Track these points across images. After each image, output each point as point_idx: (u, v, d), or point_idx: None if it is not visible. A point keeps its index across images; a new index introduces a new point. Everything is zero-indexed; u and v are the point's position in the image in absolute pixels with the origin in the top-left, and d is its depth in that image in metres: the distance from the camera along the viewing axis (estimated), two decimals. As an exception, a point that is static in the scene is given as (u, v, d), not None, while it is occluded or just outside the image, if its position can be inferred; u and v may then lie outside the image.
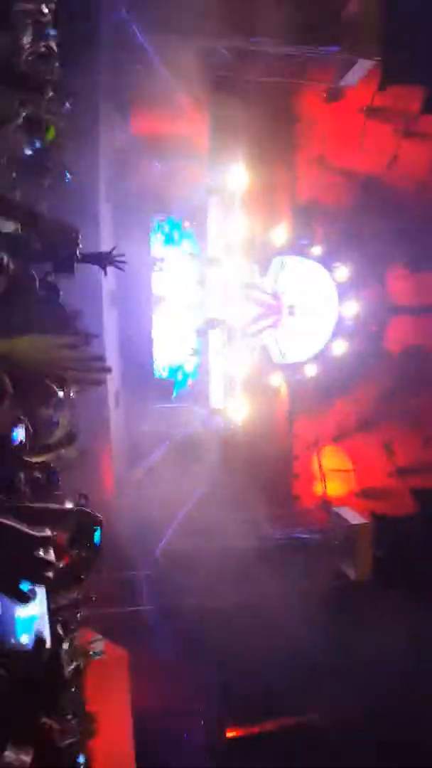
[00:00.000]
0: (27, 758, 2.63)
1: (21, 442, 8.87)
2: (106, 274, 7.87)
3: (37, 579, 2.36)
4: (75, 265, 5.32)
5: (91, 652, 12.71)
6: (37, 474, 8.10)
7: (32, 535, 2.32)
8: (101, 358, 2.69)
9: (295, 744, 15.95)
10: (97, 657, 12.75)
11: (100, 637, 13.17)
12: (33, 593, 2.46)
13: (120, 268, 7.65)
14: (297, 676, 15.20)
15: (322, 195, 16.62)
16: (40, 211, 4.06)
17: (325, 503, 17.14)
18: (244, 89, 14.87)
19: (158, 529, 16.19)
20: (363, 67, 14.87)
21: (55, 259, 5.03)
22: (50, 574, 2.36)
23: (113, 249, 6.68)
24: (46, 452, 9.72)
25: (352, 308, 17.09)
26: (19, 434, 9.24)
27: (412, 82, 15.04)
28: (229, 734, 16.57)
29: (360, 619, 15.76)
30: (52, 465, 8.92)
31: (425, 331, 17.27)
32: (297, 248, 16.89)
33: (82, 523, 10.79)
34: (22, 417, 6.33)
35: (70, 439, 10.73)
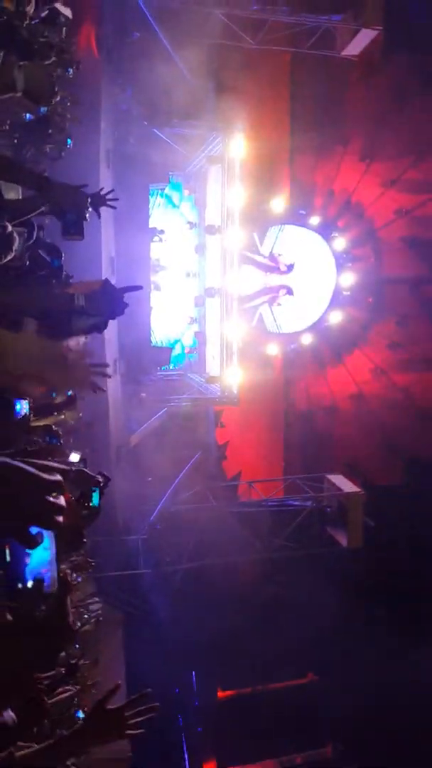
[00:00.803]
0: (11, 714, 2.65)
1: (24, 414, 9.12)
2: (99, 216, 7.94)
3: (47, 523, 2.32)
4: (83, 227, 5.31)
5: (87, 614, 13.10)
6: (38, 438, 8.31)
7: (44, 479, 2.26)
8: (101, 365, 2.61)
9: (285, 706, 16.43)
10: (94, 618, 13.10)
11: (97, 599, 13.49)
12: (41, 537, 2.48)
13: (112, 207, 7.73)
14: (289, 641, 15.62)
15: (321, 165, 16.67)
16: (46, 174, 4.11)
17: (319, 471, 17.39)
18: (245, 57, 14.84)
19: (155, 494, 16.48)
20: (365, 37, 14.86)
21: (63, 221, 5.04)
22: (60, 518, 2.30)
23: (101, 189, 6.69)
24: (47, 415, 9.95)
25: (349, 278, 17.22)
26: (23, 407, 9.48)
27: (414, 53, 15.00)
28: (221, 695, 16.99)
29: (351, 585, 16.14)
30: (53, 428, 9.15)
31: (421, 301, 17.38)
32: (295, 218, 16.98)
33: (81, 482, 11.08)
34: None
35: (69, 402, 10.99)
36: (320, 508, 16.90)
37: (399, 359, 16.93)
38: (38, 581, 3.20)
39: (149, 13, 14.13)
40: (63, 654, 8.76)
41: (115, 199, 6.13)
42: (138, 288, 5.06)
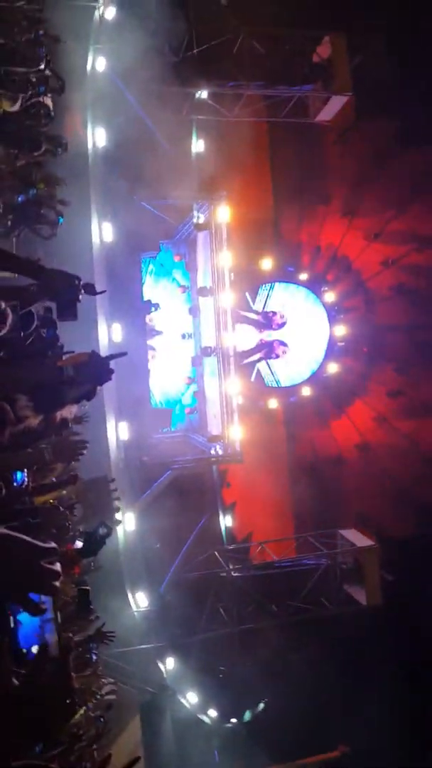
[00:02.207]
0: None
1: (24, 482, 9.08)
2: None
3: (43, 589, 2.38)
4: (77, 309, 5.53)
5: (99, 695, 12.43)
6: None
7: (38, 546, 2.34)
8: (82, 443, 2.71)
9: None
10: (109, 700, 12.45)
11: (112, 680, 12.86)
12: (45, 606, 2.53)
13: (100, 293, 7.90)
14: (315, 710, 14.70)
15: (306, 224, 17.26)
16: (41, 263, 4.36)
17: (330, 527, 16.95)
18: (225, 128, 15.68)
19: (163, 562, 16.00)
20: (337, 102, 15.74)
21: (58, 304, 5.26)
22: (57, 584, 2.37)
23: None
24: (48, 492, 9.85)
25: (342, 329, 17.47)
26: (24, 477, 9.43)
27: (384, 115, 15.83)
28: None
29: (374, 645, 15.37)
30: (54, 503, 9.07)
31: (415, 347, 17.49)
32: (284, 275, 17.42)
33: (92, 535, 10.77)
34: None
35: (70, 480, 10.89)
36: (335, 566, 16.39)
37: (400, 406, 16.87)
38: (43, 647, 3.20)
39: (131, 96, 15.04)
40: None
41: (103, 291, 6.22)
42: (123, 354, 5.23)
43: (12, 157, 11.89)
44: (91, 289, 6.12)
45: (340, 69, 15.43)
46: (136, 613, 15.50)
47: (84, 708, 10.46)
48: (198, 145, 16.08)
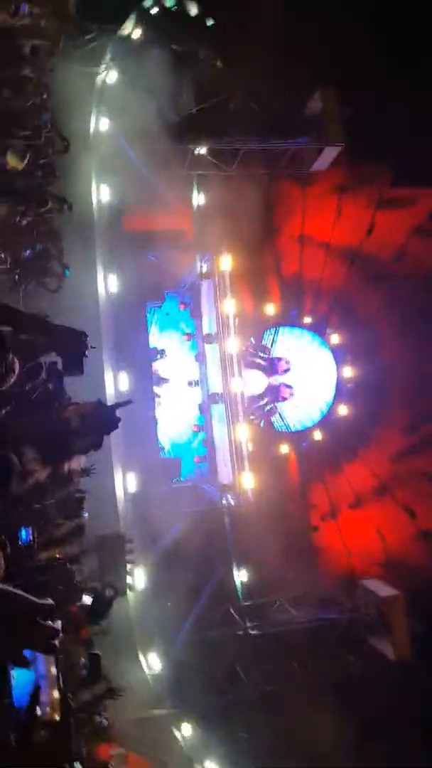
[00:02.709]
0: None
1: (29, 539, 8.80)
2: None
3: (41, 646, 2.44)
4: (84, 364, 5.55)
5: (111, 765, 11.52)
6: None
7: (35, 603, 2.39)
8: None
9: None
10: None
11: (122, 750, 11.95)
12: (32, 659, 2.48)
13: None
14: None
15: (307, 269, 17.51)
16: (47, 320, 4.43)
17: (352, 578, 16.16)
18: (224, 183, 16.18)
19: (175, 621, 15.20)
20: (331, 152, 16.29)
21: (64, 360, 5.32)
22: (55, 641, 2.43)
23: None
24: (53, 547, 9.54)
25: (350, 371, 17.40)
26: (28, 533, 9.17)
27: (378, 161, 16.34)
28: None
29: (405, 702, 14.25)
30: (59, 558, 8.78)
31: (425, 387, 17.26)
32: (289, 319, 17.52)
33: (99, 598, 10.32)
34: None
35: (76, 531, 10.55)
36: (359, 618, 15.51)
37: (416, 442, 16.47)
38: (29, 707, 3.15)
39: (133, 154, 15.67)
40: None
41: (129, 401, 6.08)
42: (128, 402, 5.19)
43: (19, 214, 12.27)
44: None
45: (332, 121, 16.08)
46: (149, 677, 14.63)
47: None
48: (199, 199, 16.56)
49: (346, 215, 16.86)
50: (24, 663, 2.35)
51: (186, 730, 14.24)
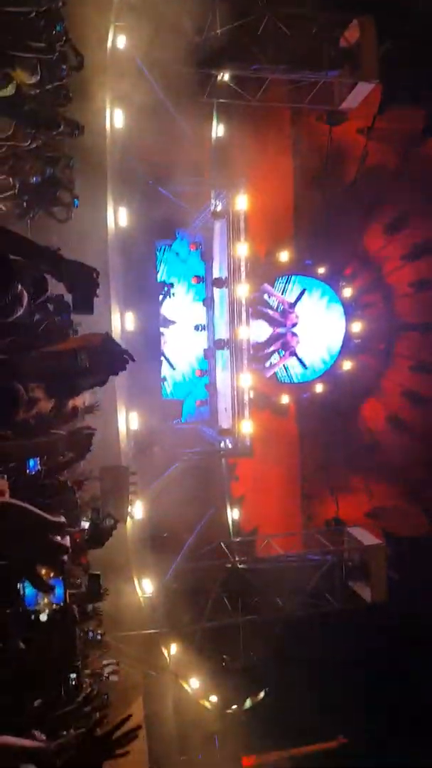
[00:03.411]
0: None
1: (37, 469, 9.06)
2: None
3: (51, 563, 2.40)
4: (93, 303, 5.35)
5: (105, 676, 12.67)
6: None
7: (47, 519, 2.34)
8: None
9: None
10: (112, 679, 12.70)
11: (114, 661, 13.09)
12: (54, 584, 2.52)
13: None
14: (314, 702, 14.91)
15: (325, 216, 16.77)
16: (59, 253, 4.17)
17: (338, 524, 16.93)
18: (246, 115, 15.14)
19: (170, 552, 16.11)
20: (363, 89, 15.10)
21: (74, 297, 5.07)
22: (64, 558, 2.40)
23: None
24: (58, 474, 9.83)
25: (359, 326, 17.14)
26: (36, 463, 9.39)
27: (412, 104, 15.21)
28: (245, 763, 16.16)
29: (377, 642, 15.47)
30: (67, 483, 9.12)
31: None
32: (302, 268, 17.03)
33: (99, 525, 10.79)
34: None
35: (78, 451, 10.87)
36: (342, 562, 16.41)
37: (415, 406, 16.61)
38: (58, 612, 3.36)
39: (151, 77, 14.53)
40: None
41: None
42: (132, 358, 5.08)
43: (29, 136, 11.65)
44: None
45: (368, 55, 14.76)
46: (141, 600, 15.72)
47: (88, 680, 10.70)
48: (218, 130, 15.53)
49: (372, 160, 15.90)
50: (41, 583, 2.38)
51: (173, 649, 15.56)
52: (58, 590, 8.54)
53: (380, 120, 15.48)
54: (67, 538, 2.47)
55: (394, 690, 15.45)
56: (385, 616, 15.34)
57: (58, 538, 2.36)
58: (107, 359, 4.32)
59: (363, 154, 15.84)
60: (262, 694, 16.30)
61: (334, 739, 16.08)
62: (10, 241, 4.04)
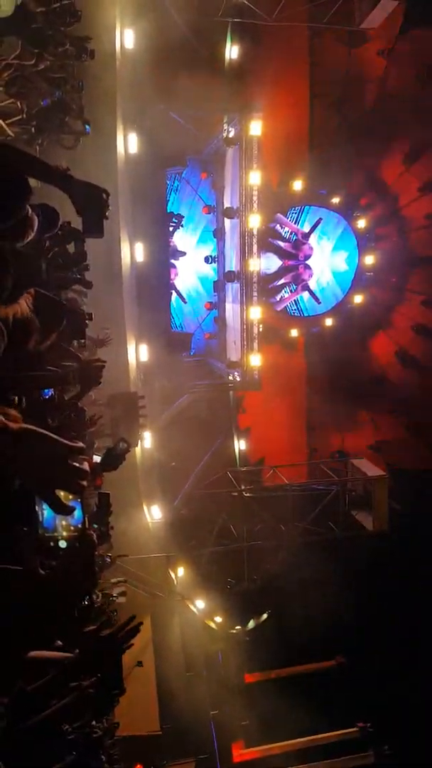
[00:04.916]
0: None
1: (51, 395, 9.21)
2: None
3: (71, 487, 2.39)
4: (104, 225, 5.28)
5: (113, 595, 13.25)
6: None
7: (66, 444, 2.34)
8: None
9: (314, 689, 16.43)
10: (120, 600, 13.26)
11: (123, 579, 13.64)
12: (74, 506, 2.55)
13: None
14: (316, 624, 15.59)
15: (342, 144, 16.30)
16: (69, 173, 4.09)
17: (343, 456, 17.24)
18: (262, 36, 14.52)
19: (178, 480, 16.54)
20: (385, 8, 14.38)
21: (84, 219, 4.99)
22: (84, 482, 2.39)
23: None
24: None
25: (372, 259, 16.93)
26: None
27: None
28: (248, 679, 17.03)
29: (377, 569, 16.04)
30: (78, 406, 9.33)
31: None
32: (316, 198, 16.68)
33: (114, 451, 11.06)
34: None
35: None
36: (345, 492, 16.79)
37: (425, 340, 16.59)
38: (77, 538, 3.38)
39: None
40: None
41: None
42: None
43: (35, 56, 11.32)
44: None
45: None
46: (150, 525, 16.27)
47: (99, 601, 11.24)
48: (232, 52, 14.89)
49: (392, 84, 15.30)
50: (60, 506, 2.40)
51: (180, 572, 16.19)
52: (77, 513, 8.74)
53: (402, 41, 14.82)
54: (85, 462, 2.44)
55: (394, 616, 16.10)
56: (386, 544, 15.80)
57: (77, 462, 2.38)
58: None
59: (383, 77, 15.24)
60: (264, 616, 17.04)
61: (333, 659, 16.90)
62: (22, 160, 4.00)
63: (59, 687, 2.55)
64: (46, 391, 9.89)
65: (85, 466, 2.46)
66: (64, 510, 2.46)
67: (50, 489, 2.37)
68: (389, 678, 15.18)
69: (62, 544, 8.04)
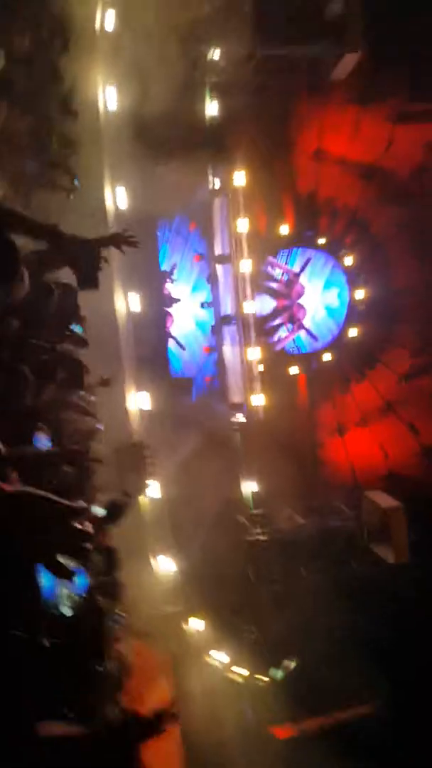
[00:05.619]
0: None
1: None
2: (123, 252, 7.86)
3: (74, 549, 2.36)
4: (98, 277, 5.34)
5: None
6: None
7: (68, 506, 2.28)
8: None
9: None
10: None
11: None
12: (75, 570, 2.40)
13: (135, 246, 7.68)
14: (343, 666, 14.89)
15: (323, 187, 17.09)
16: (59, 228, 4.20)
17: (356, 489, 17.02)
18: (238, 92, 15.40)
19: (188, 528, 16.10)
20: (350, 60, 15.43)
21: (78, 273, 5.08)
22: (88, 545, 2.38)
23: (124, 230, 6.47)
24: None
25: (362, 293, 17.42)
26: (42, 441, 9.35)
27: (398, 71, 15.52)
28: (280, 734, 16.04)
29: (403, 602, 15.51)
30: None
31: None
32: (303, 240, 17.32)
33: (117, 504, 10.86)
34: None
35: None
36: (362, 527, 16.46)
37: (425, 365, 16.84)
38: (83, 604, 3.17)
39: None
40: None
41: (136, 242, 5.83)
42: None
43: (18, 116, 11.72)
44: (121, 240, 5.80)
45: (352, 24, 15.08)
46: (161, 578, 15.68)
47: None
48: (212, 108, 15.79)
49: (364, 129, 16.22)
50: (63, 570, 2.27)
51: (195, 625, 15.48)
52: (80, 579, 8.33)
53: (368, 89, 15.83)
54: (88, 524, 2.24)
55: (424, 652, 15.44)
56: (409, 576, 15.39)
57: (78, 524, 2.29)
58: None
59: (355, 124, 16.19)
60: (292, 664, 16.24)
61: (366, 704, 16.02)
62: (12, 219, 4.08)
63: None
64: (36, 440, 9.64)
65: (88, 527, 2.38)
66: (66, 575, 2.37)
67: (51, 553, 2.28)
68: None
69: (66, 612, 7.54)
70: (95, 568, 10.95)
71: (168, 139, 15.17)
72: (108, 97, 14.32)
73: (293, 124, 16.49)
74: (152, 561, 15.29)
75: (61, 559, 2.26)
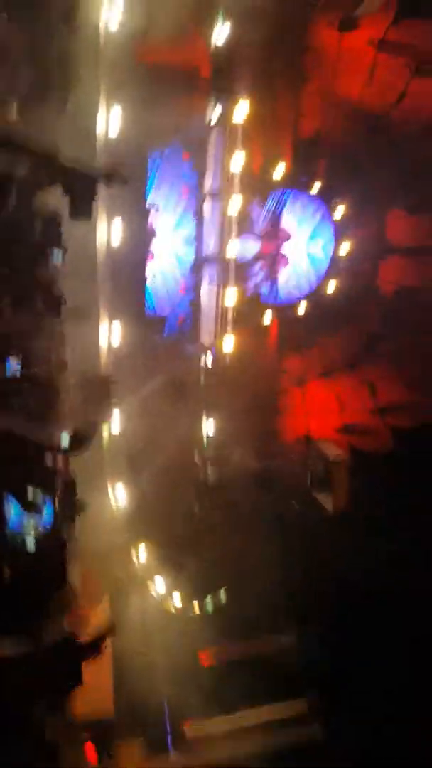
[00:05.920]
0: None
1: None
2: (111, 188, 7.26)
3: (41, 483, 2.53)
4: (92, 208, 5.18)
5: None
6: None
7: (36, 442, 2.44)
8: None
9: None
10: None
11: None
12: (42, 504, 2.66)
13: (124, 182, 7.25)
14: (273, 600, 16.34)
15: (325, 130, 16.11)
16: (60, 158, 4.03)
17: (307, 437, 17.80)
18: (252, 16, 13.89)
19: (144, 462, 16.68)
20: (379, -5, 14.04)
21: (72, 202, 4.93)
22: (55, 478, 2.49)
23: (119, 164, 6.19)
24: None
25: (347, 247, 17.13)
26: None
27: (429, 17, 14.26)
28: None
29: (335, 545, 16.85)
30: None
31: (417, 272, 17.39)
32: (297, 184, 16.61)
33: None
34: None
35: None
36: (306, 472, 17.39)
37: (394, 329, 17.11)
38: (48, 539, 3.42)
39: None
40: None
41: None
42: None
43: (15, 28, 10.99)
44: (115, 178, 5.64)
45: None
46: (114, 506, 16.46)
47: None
48: (222, 30, 14.21)
49: (379, 76, 15.07)
50: (30, 505, 2.66)
51: (142, 555, 16.53)
52: (47, 511, 8.54)
53: (394, 31, 14.53)
54: (59, 457, 2.46)
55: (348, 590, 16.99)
56: (345, 525, 16.63)
57: (48, 458, 2.49)
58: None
59: (371, 68, 14.99)
60: (221, 593, 17.71)
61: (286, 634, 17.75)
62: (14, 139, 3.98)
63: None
64: (8, 365, 9.75)
65: (58, 462, 2.61)
66: (34, 508, 2.64)
67: (21, 486, 2.51)
68: (341, 650, 16.20)
69: (30, 543, 7.87)
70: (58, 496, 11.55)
71: (171, 63, 13.80)
72: (112, 15, 12.72)
73: (307, 59, 15.12)
74: (107, 491, 15.98)
75: (30, 490, 2.63)
